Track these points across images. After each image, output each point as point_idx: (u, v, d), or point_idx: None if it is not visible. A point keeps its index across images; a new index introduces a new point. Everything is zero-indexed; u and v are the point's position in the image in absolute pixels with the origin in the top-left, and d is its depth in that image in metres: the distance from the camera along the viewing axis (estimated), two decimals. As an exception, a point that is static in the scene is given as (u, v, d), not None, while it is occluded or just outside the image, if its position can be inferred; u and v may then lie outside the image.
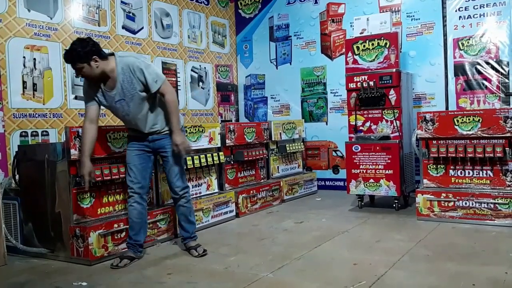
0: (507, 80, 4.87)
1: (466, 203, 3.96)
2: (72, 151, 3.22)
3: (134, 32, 5.22)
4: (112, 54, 3.15)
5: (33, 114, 4.17)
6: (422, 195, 4.13)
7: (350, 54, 4.76)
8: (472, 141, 4.00)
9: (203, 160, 4.20)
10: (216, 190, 4.53)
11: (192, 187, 4.24)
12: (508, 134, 3.85)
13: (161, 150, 3.31)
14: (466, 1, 5.06)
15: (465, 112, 4.07)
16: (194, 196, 4.24)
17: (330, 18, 6.00)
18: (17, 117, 4.07)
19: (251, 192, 4.82)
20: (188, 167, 4.05)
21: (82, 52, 2.97)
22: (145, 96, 3.15)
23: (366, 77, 4.62)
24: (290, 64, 6.36)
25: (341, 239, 3.68)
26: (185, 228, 3.45)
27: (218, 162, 4.40)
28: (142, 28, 5.35)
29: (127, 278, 2.94)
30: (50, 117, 4.31)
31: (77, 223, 3.27)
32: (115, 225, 3.37)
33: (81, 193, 3.32)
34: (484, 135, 3.93)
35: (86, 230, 3.20)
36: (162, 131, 3.29)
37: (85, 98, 3.21)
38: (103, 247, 3.29)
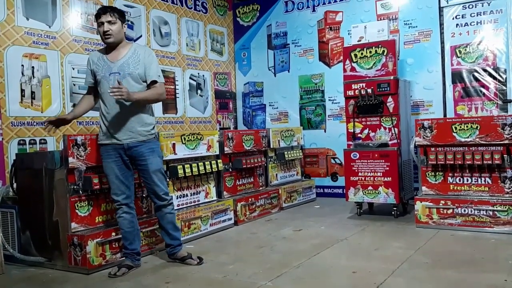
0: (504, 87, 4.88)
1: (465, 211, 3.96)
2: (70, 159, 3.22)
3: (132, 40, 5.23)
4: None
5: (31, 122, 4.16)
6: (421, 202, 4.13)
7: (348, 61, 4.78)
8: (470, 148, 4.00)
9: (201, 168, 4.19)
10: (215, 198, 4.52)
11: (190, 195, 4.23)
12: (506, 141, 3.85)
13: (138, 158, 3.22)
14: (463, 8, 5.08)
15: (463, 119, 4.08)
16: (192, 204, 4.24)
17: (328, 26, 6.02)
18: (15, 125, 4.06)
19: (250, 199, 4.81)
20: (186, 174, 4.05)
21: (123, 12, 3.32)
22: (138, 84, 3.21)
23: (364, 84, 4.64)
24: (288, 71, 6.37)
25: (340, 247, 3.67)
26: (174, 236, 3.38)
27: (216, 169, 4.39)
28: (141, 36, 5.36)
29: (124, 287, 2.93)
30: (48, 125, 4.29)
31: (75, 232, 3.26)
32: (113, 234, 3.36)
33: (79, 201, 3.31)
34: (482, 142, 3.94)
35: (84, 238, 3.18)
36: (138, 138, 3.20)
37: (86, 77, 3.40)
38: (101, 255, 3.27)
